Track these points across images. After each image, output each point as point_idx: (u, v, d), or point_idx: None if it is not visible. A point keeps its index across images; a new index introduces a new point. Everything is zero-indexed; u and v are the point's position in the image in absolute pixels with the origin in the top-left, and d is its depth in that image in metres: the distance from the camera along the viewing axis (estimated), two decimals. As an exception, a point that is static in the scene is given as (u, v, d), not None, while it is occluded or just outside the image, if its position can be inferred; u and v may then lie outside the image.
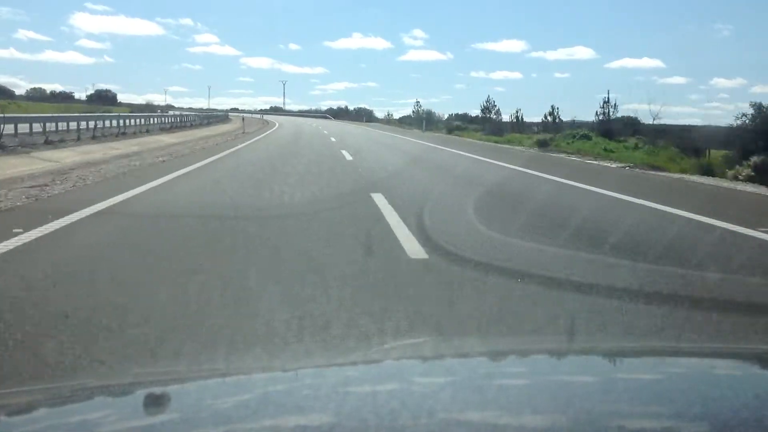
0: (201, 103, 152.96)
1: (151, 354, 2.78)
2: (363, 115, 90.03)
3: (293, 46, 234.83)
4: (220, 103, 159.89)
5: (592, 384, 1.13)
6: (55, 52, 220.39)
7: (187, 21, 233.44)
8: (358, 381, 1.18)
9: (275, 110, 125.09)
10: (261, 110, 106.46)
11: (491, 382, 1.12)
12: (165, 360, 2.72)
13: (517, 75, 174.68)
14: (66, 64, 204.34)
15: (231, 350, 2.85)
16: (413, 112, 63.11)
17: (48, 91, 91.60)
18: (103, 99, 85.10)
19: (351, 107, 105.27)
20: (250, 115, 75.31)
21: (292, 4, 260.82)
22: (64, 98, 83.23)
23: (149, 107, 74.83)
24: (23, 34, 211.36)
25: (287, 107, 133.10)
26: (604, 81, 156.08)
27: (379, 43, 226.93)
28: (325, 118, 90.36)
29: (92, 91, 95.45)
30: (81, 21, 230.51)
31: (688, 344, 2.45)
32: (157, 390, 1.12)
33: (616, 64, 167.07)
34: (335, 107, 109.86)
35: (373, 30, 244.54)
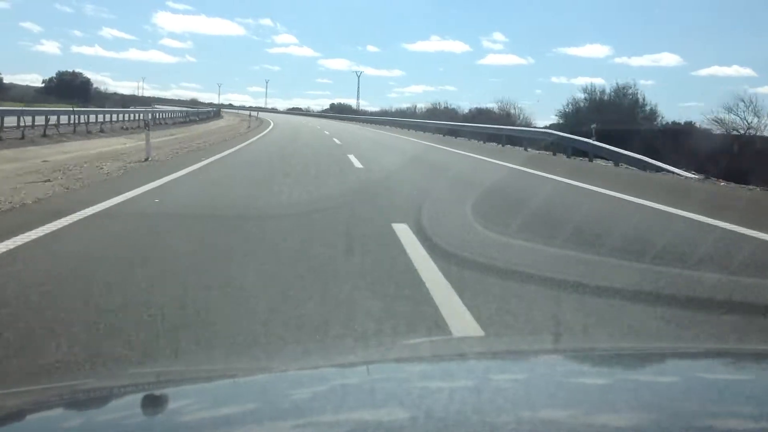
0: (276, 103, 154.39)
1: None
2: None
3: (371, 48, 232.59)
4: (298, 103, 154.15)
5: (590, 384, 1.13)
6: (139, 50, 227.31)
7: (267, 21, 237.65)
8: (356, 381, 1.18)
9: (341, 111, 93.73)
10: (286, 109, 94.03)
11: (489, 383, 1.12)
12: (164, 359, 2.73)
13: (599, 81, 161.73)
14: (150, 63, 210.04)
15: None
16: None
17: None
18: (69, 87, 66.63)
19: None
20: (249, 112, 63.42)
21: (370, 6, 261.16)
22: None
23: (135, 100, 68.94)
24: (108, 32, 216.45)
25: (357, 106, 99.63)
26: (690, 89, 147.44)
27: (457, 47, 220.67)
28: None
29: (53, 75, 76.92)
30: (163, 20, 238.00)
31: (688, 344, 2.44)
32: (156, 390, 1.12)
33: (704, 71, 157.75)
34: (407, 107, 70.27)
35: (451, 33, 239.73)
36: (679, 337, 3.13)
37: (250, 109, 77.55)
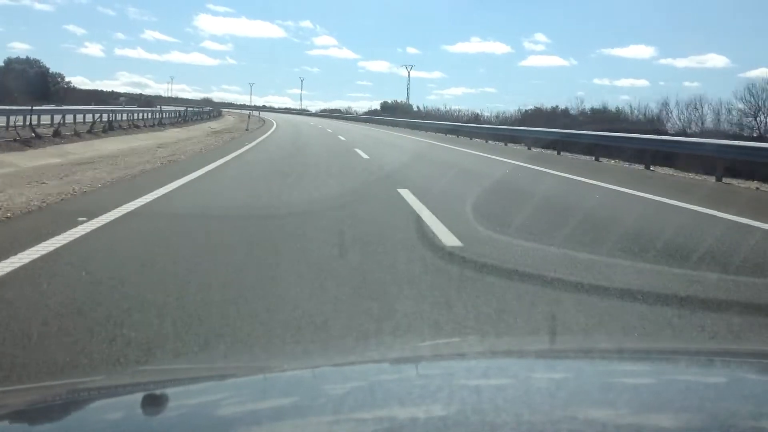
0: (317, 105, 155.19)
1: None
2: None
3: (411, 50, 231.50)
4: (338, 105, 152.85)
5: (590, 384, 1.14)
6: (181, 53, 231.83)
7: (307, 23, 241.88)
8: (356, 381, 1.18)
9: (387, 111, 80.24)
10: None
11: (489, 382, 1.12)
12: (164, 359, 2.71)
13: (643, 83, 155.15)
14: (191, 65, 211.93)
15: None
16: None
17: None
18: (19, 79, 52.45)
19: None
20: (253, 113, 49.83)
21: (410, 8, 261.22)
22: None
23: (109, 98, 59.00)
24: (150, 34, 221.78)
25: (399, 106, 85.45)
26: (737, 91, 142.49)
27: (498, 48, 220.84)
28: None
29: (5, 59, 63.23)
30: (204, 22, 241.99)
31: (688, 344, 2.46)
32: (156, 390, 1.12)
33: (752, 73, 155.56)
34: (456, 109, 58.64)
35: (492, 34, 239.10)
36: (681, 337, 3.15)
37: (253, 108, 74.19)
